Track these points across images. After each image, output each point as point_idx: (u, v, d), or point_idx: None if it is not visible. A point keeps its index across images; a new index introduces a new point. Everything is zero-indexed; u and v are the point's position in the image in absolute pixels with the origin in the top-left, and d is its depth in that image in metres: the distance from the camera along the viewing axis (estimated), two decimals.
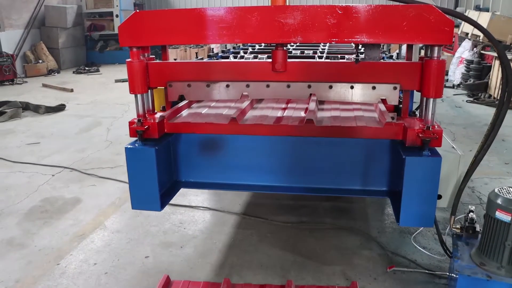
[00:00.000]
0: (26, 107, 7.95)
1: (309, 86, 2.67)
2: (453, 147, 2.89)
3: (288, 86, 2.69)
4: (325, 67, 2.65)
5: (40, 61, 13.02)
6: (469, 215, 2.63)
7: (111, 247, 3.30)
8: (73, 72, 13.17)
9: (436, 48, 2.44)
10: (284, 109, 2.96)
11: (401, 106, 2.75)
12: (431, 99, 2.57)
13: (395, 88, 2.63)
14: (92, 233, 3.51)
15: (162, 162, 2.74)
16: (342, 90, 2.66)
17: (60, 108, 8.11)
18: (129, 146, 2.69)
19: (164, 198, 2.87)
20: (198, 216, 3.84)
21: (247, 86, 2.73)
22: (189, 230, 3.58)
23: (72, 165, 5.08)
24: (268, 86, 2.71)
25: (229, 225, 3.67)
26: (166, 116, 2.59)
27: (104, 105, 8.58)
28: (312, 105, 2.74)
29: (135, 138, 2.77)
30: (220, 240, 3.42)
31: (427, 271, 2.95)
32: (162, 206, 2.86)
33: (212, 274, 2.97)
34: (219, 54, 4.59)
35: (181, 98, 2.96)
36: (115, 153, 5.56)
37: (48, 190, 4.40)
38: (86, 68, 13.49)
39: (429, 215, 2.59)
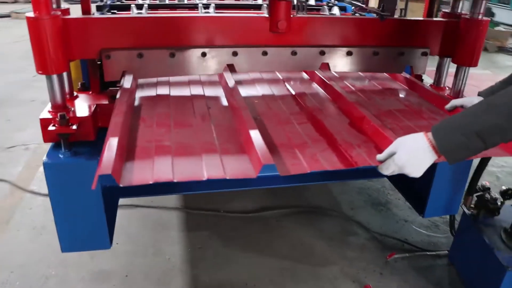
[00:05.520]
0: None
1: (322, 53, 1.93)
2: None
3: (294, 53, 1.90)
4: (342, 25, 1.91)
5: None
6: (491, 194, 2.32)
7: None
8: None
9: (481, 2, 1.93)
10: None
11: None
12: (465, 68, 2.09)
13: (424, 53, 2.06)
14: None
15: None
16: (363, 58, 1.99)
17: None
18: (49, 161, 1.68)
19: (110, 224, 1.96)
20: (125, 219, 2.88)
21: (234, 54, 1.86)
22: (124, 245, 2.63)
23: None
24: (265, 53, 1.88)
25: (174, 228, 2.83)
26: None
27: None
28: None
29: (51, 144, 1.78)
30: (174, 254, 2.58)
31: (427, 253, 2.65)
32: (111, 241, 1.96)
33: None
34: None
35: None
36: None
37: None
38: None
39: (456, 202, 2.22)
